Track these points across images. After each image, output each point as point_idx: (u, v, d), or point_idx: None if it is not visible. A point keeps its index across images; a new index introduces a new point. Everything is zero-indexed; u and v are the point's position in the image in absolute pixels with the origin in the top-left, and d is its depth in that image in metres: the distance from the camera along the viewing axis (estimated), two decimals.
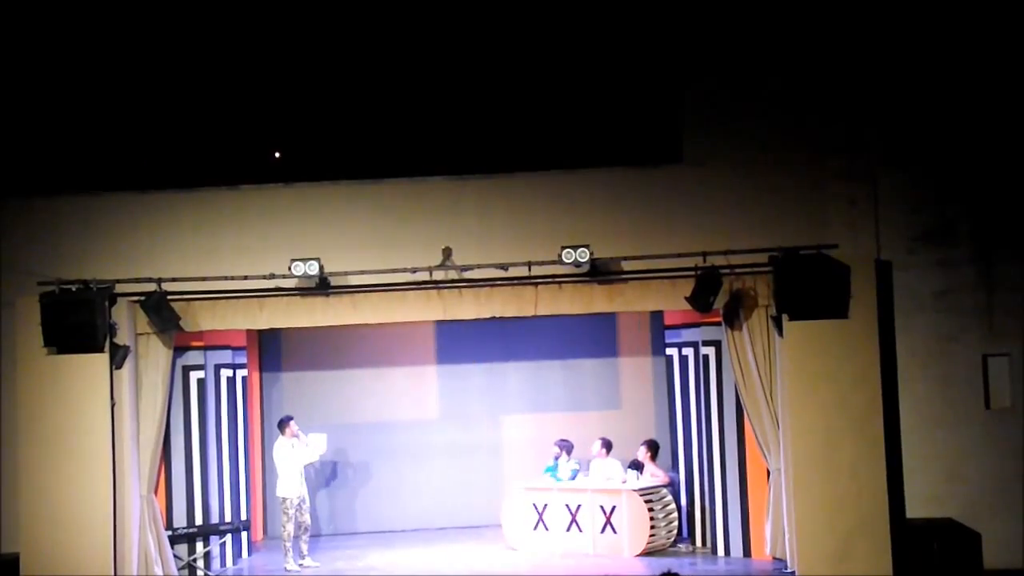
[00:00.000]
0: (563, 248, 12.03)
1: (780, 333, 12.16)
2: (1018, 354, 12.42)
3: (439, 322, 13.56)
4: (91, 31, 12.87)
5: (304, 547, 13.62)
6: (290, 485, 13.56)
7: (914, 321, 12.46)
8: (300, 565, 13.47)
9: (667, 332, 14.38)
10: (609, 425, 15.27)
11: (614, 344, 15.88)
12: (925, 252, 12.53)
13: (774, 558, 12.70)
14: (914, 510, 12.23)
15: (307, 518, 13.72)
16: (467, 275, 12.59)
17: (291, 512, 13.50)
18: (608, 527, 13.68)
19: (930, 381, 12.42)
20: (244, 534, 14.19)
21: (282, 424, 13.85)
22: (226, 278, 12.51)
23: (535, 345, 15.95)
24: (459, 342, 15.96)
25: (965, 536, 11.89)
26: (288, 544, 13.45)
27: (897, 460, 12.25)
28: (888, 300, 12.40)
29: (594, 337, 15.83)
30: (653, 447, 14.28)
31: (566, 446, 14.53)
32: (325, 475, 15.95)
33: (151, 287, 12.39)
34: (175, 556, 13.08)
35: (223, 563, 13.66)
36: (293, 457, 13.61)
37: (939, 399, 12.41)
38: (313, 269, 12.19)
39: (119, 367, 12.48)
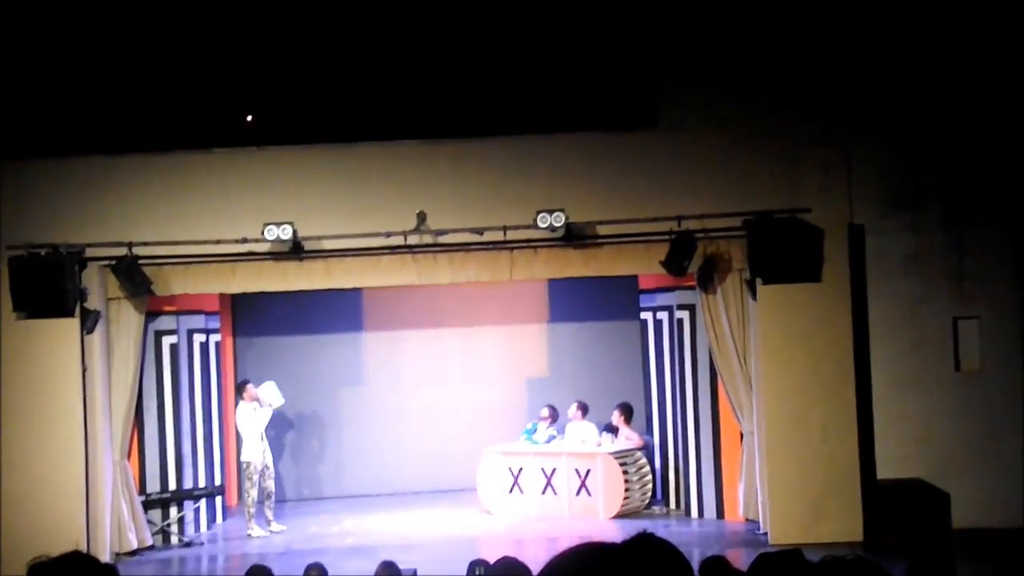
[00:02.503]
0: (538, 212, 11.98)
1: (754, 297, 12.23)
2: (987, 317, 12.55)
3: (416, 286, 13.50)
4: None
5: (269, 513, 13.61)
6: (254, 449, 13.55)
7: (886, 285, 12.55)
8: (268, 531, 13.48)
9: (641, 296, 14.43)
10: (583, 389, 15.32)
11: (591, 308, 15.88)
12: (897, 216, 12.59)
13: (747, 519, 12.82)
14: (884, 471, 12.36)
15: (271, 484, 13.70)
16: (442, 239, 12.54)
17: (255, 478, 13.48)
18: (583, 490, 13.77)
19: (901, 344, 12.53)
20: (218, 499, 14.18)
21: (240, 388, 13.86)
22: (198, 242, 12.39)
23: (512, 309, 15.98)
24: (436, 306, 15.97)
25: (934, 496, 12.04)
26: (252, 510, 13.44)
27: (868, 422, 12.38)
28: (860, 264, 12.48)
29: (571, 301, 15.86)
30: (627, 410, 14.34)
31: (554, 413, 14.56)
32: (297, 439, 15.95)
33: (122, 251, 12.25)
34: (149, 521, 13.04)
35: (197, 528, 13.63)
36: (255, 421, 13.61)
37: (910, 361, 12.52)
38: (286, 233, 12.10)
39: (90, 332, 12.36)
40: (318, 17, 12.99)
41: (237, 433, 13.93)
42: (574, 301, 15.77)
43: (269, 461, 13.76)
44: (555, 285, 14.85)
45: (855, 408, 12.17)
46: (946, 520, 11.95)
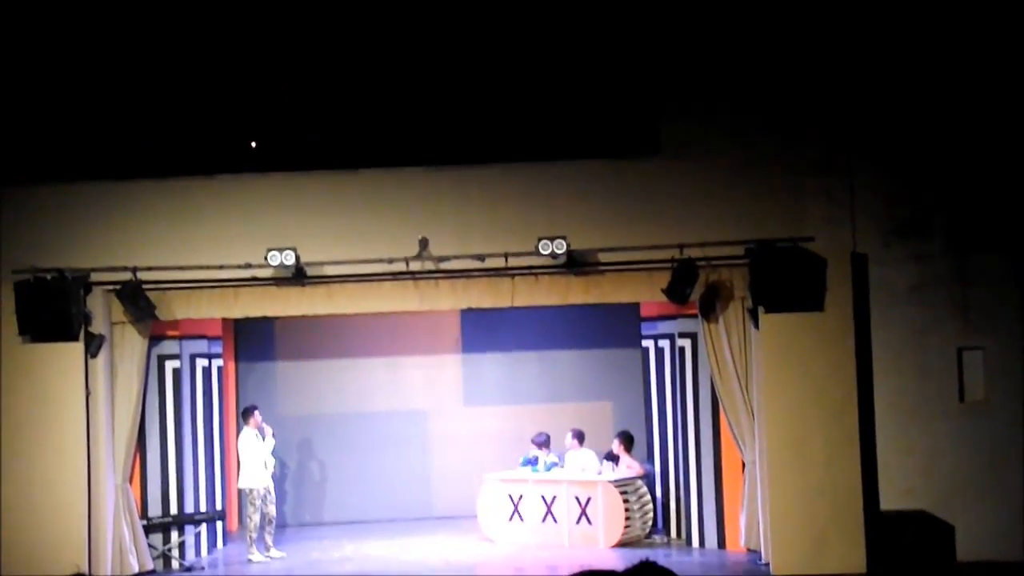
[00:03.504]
0: (540, 239, 11.98)
1: (756, 325, 12.20)
2: (992, 348, 12.47)
3: (417, 313, 13.53)
4: (64, 18, 12.73)
5: (269, 539, 13.57)
6: (254, 476, 13.52)
7: (889, 314, 12.49)
8: (267, 556, 13.43)
9: (643, 324, 14.41)
10: (584, 417, 15.29)
11: (591, 336, 15.86)
12: (901, 246, 12.55)
13: (748, 550, 12.75)
14: (888, 502, 12.26)
15: (272, 509, 13.67)
16: (443, 266, 12.55)
17: (257, 503, 13.45)
18: (583, 518, 13.71)
19: (905, 374, 12.45)
20: (219, 524, 14.16)
21: (246, 413, 13.82)
22: (201, 267, 12.45)
23: (512, 335, 15.97)
24: (435, 333, 15.99)
25: (938, 528, 11.95)
26: (253, 535, 13.41)
27: (871, 453, 12.30)
28: (864, 293, 12.43)
29: (571, 328, 15.84)
30: (627, 439, 14.29)
31: (541, 440, 14.52)
32: (299, 465, 15.93)
33: (126, 276, 12.32)
34: (150, 546, 13.03)
35: (198, 552, 13.62)
36: (258, 447, 13.59)
37: (914, 392, 12.44)
38: (289, 259, 12.13)
39: (94, 356, 12.42)
40: (321, 44, 13.07)
41: (238, 458, 13.91)
42: (575, 328, 15.75)
43: (270, 486, 13.73)
44: (556, 312, 14.82)
45: (858, 438, 12.08)
46: (950, 553, 11.86)
